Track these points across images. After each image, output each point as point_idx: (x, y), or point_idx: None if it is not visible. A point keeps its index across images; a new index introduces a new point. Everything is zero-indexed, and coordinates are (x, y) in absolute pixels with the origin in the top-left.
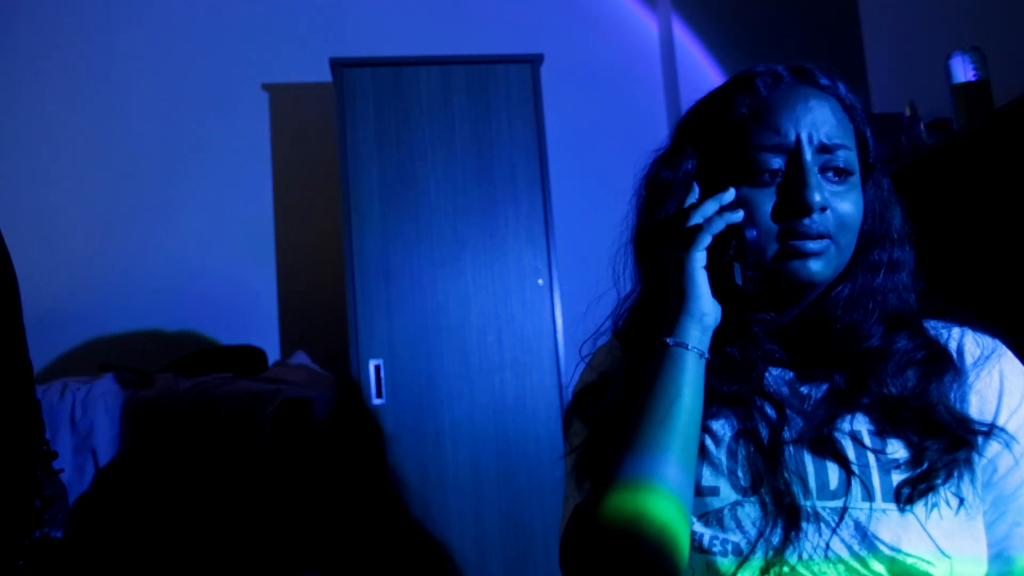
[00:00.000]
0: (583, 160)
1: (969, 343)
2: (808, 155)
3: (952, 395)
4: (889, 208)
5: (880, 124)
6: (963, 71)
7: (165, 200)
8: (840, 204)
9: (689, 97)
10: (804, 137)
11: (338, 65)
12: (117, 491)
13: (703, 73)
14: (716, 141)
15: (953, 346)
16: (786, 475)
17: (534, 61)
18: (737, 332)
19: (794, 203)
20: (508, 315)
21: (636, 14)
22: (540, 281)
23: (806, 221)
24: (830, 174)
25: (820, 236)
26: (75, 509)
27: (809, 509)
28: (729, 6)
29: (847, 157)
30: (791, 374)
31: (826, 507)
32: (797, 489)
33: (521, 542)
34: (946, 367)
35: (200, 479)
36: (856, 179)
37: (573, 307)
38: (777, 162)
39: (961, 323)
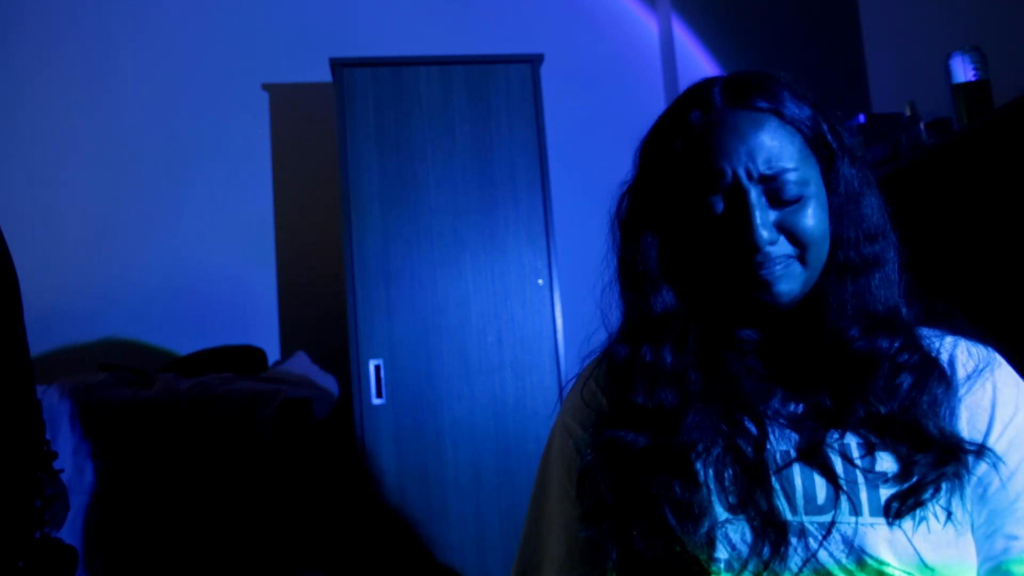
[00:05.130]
0: (583, 160)
1: (961, 354)
2: (751, 193)
3: (942, 408)
4: (860, 202)
5: (880, 124)
6: (963, 71)
7: (165, 200)
8: (799, 220)
9: None
10: (741, 173)
11: (338, 65)
12: (117, 491)
13: (703, 73)
14: (663, 178)
15: (945, 357)
16: (772, 492)
17: (534, 61)
18: (720, 349)
19: (743, 243)
20: (508, 315)
21: (636, 14)
22: (540, 281)
23: (758, 258)
24: (780, 197)
25: (780, 263)
26: (75, 509)
27: (796, 524)
28: (729, 6)
29: (796, 178)
30: (777, 389)
31: (814, 522)
32: (783, 505)
33: None
34: (936, 378)
35: (200, 479)
36: (812, 190)
37: (573, 307)
38: (720, 203)
39: (953, 332)
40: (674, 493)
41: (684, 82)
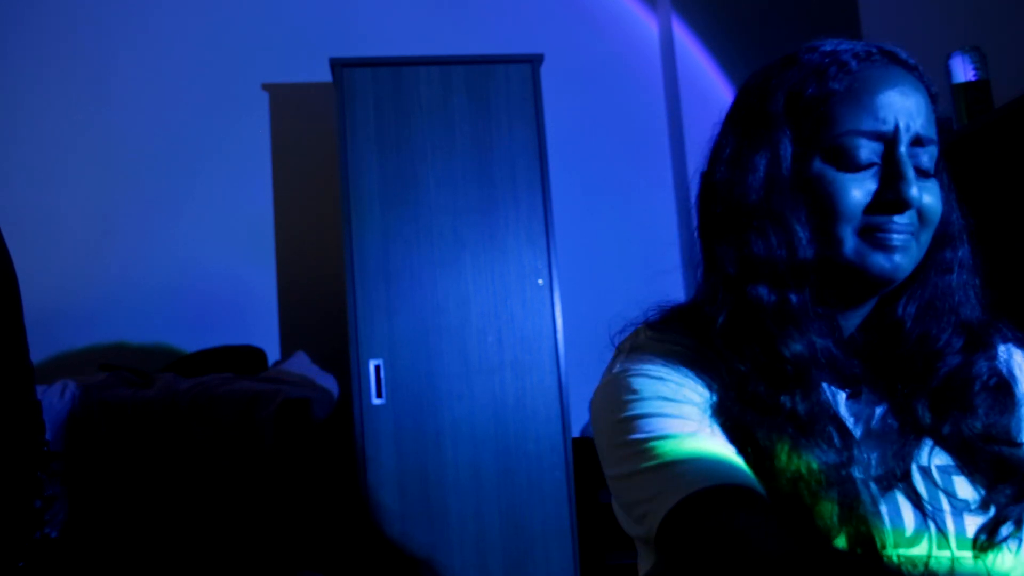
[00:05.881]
0: (583, 160)
1: (1018, 365)
2: (904, 147)
3: (1012, 426)
4: (953, 206)
5: None
6: (963, 71)
7: (165, 200)
8: (926, 199)
9: (689, 97)
10: (903, 126)
11: (338, 65)
12: (117, 491)
13: (703, 73)
14: (799, 116)
15: (1004, 368)
16: (865, 520)
17: (534, 61)
18: (803, 331)
19: (890, 197)
20: (508, 315)
21: (636, 14)
22: (540, 281)
23: (897, 217)
24: (921, 166)
25: (907, 232)
26: (75, 509)
27: (888, 559)
28: (729, 6)
29: (933, 153)
30: (843, 393)
31: (904, 556)
32: (876, 536)
33: (521, 542)
34: (1012, 396)
35: (200, 479)
36: (937, 172)
37: (573, 307)
38: (870, 149)
39: (1004, 339)
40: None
41: (684, 82)
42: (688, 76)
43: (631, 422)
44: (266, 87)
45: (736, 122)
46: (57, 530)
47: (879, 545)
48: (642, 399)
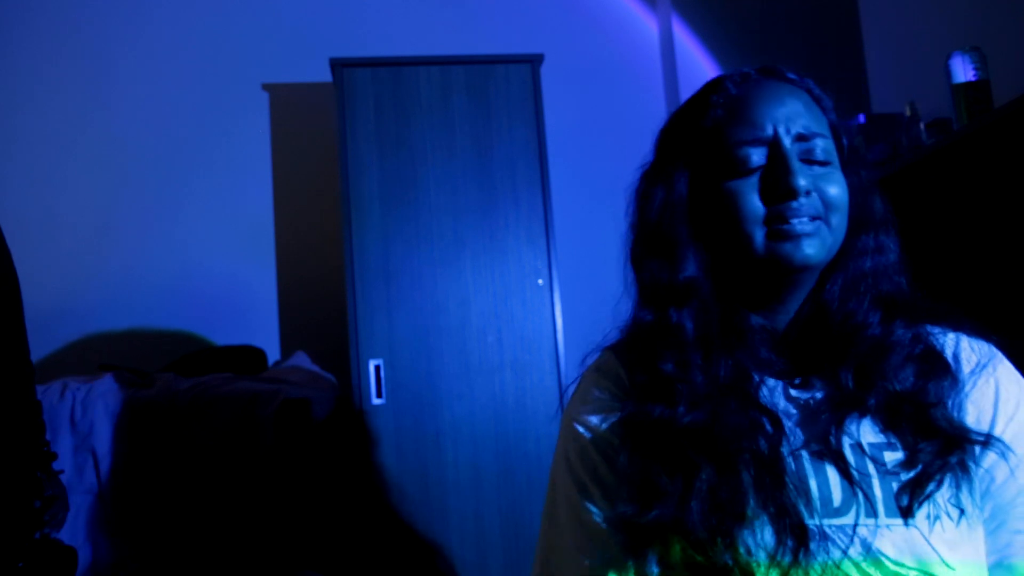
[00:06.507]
0: (583, 160)
1: (965, 350)
2: (787, 143)
3: (949, 402)
4: (869, 195)
5: (880, 124)
6: (963, 71)
7: (165, 200)
8: (826, 186)
9: (689, 97)
10: (781, 129)
11: (338, 65)
12: (117, 491)
13: (703, 73)
14: (697, 147)
15: (949, 353)
16: (791, 494)
17: (534, 61)
18: (732, 341)
19: (780, 190)
20: (508, 315)
21: (636, 14)
22: (540, 281)
23: (794, 204)
24: (811, 158)
25: (811, 218)
26: (75, 509)
27: (815, 528)
28: (729, 6)
29: (825, 146)
30: (782, 384)
31: (832, 525)
32: (802, 508)
33: (521, 542)
34: (943, 371)
35: (200, 479)
36: (837, 164)
37: (573, 307)
38: (758, 155)
39: (955, 328)
40: (715, 486)
41: (684, 82)
42: (688, 76)
43: (549, 482)
44: (266, 87)
45: (651, 159)
46: (58, 530)
47: (802, 516)
48: (555, 458)
